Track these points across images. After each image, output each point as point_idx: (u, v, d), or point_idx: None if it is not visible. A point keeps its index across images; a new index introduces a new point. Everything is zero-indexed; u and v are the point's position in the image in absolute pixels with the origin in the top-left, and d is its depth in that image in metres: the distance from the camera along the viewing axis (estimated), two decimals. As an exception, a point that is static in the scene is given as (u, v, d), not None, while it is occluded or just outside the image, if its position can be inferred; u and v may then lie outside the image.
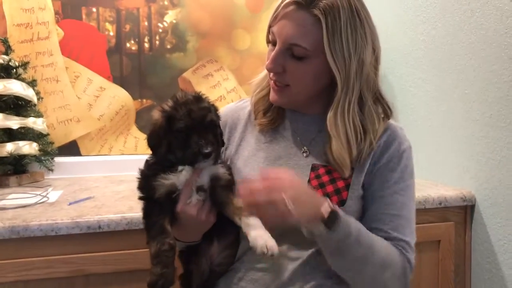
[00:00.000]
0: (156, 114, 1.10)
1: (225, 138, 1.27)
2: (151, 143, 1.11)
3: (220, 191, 1.11)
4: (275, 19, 1.13)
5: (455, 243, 1.78)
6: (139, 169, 1.14)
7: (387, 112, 1.20)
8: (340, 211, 1.04)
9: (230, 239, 1.18)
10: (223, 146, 1.20)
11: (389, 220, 1.14)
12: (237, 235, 1.18)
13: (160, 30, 2.41)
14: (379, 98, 1.19)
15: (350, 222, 1.06)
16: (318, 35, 1.07)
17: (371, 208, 1.16)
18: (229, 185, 1.12)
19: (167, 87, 2.40)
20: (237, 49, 2.50)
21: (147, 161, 1.15)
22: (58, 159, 2.27)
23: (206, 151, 1.04)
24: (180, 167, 1.08)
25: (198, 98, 1.10)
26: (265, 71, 1.26)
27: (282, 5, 1.11)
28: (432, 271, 1.79)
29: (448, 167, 1.91)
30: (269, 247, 0.99)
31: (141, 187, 1.12)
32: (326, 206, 1.02)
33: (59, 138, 2.31)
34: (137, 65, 2.39)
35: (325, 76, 1.14)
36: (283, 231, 1.07)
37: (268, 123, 1.26)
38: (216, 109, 1.15)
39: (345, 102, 1.11)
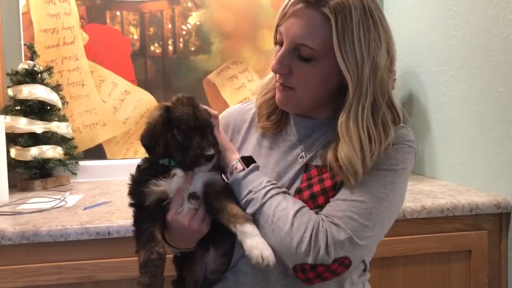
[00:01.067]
0: (155, 112, 1.04)
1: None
2: (146, 142, 1.04)
3: (214, 198, 1.05)
4: (283, 18, 1.06)
5: (489, 254, 1.65)
6: (130, 174, 1.10)
7: (396, 120, 1.10)
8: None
9: (226, 247, 1.12)
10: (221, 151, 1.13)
11: (344, 204, 1.01)
12: (233, 243, 1.12)
13: (184, 32, 2.39)
14: (390, 105, 1.09)
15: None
16: (327, 36, 1.00)
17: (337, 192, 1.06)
18: (224, 191, 1.06)
19: (192, 89, 2.37)
20: (262, 50, 2.44)
21: (138, 166, 1.10)
22: (83, 163, 2.28)
23: (209, 153, 0.99)
24: (172, 172, 1.02)
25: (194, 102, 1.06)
26: (270, 73, 1.20)
27: (290, 3, 1.04)
28: (464, 283, 1.67)
29: (482, 171, 1.77)
30: (265, 257, 0.94)
31: (131, 193, 1.07)
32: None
33: (85, 142, 2.33)
34: (161, 68, 2.38)
35: (333, 80, 1.06)
36: None
37: (271, 126, 1.20)
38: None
39: (358, 107, 1.02)
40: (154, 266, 0.96)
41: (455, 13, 1.88)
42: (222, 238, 1.10)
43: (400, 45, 2.31)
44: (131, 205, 1.07)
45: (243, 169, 1.06)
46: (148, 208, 1.02)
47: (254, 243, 0.96)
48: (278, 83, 1.11)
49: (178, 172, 1.03)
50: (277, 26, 1.08)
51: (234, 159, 1.08)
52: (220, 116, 1.27)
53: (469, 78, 1.82)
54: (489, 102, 1.71)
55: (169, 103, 1.04)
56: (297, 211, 1.00)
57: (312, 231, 0.97)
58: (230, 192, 1.07)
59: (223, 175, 1.09)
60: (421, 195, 1.73)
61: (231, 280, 1.11)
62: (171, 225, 1.04)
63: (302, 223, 0.98)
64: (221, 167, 1.11)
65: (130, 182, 1.08)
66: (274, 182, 1.06)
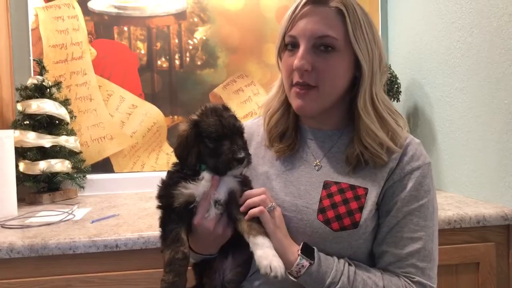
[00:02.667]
0: (183, 125, 1.10)
1: None
2: (180, 154, 1.10)
3: (235, 207, 1.09)
4: (292, 23, 1.10)
5: (497, 266, 1.64)
6: (161, 178, 1.14)
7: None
8: (315, 248, 1.07)
9: (244, 256, 1.15)
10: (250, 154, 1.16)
11: (402, 244, 1.08)
12: (251, 254, 1.13)
13: (191, 47, 2.42)
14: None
15: (328, 258, 1.06)
16: (343, 25, 1.08)
17: (383, 228, 1.10)
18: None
19: (198, 103, 2.39)
20: (267, 64, 2.47)
21: (169, 171, 1.14)
22: (91, 176, 2.30)
23: (240, 156, 1.04)
24: (201, 175, 1.07)
25: (226, 108, 1.12)
26: (274, 89, 1.24)
27: (299, 7, 1.10)
28: (472, 296, 1.66)
29: (488, 183, 1.77)
30: (273, 268, 0.96)
31: (160, 196, 1.12)
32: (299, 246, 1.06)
33: (93, 156, 2.35)
34: (168, 82, 2.41)
35: (351, 71, 1.12)
36: None
37: (286, 148, 1.21)
38: (240, 120, 1.15)
39: (372, 91, 1.11)
40: (179, 265, 1.00)
41: (459, 25, 1.89)
42: (240, 247, 1.13)
43: (404, 58, 2.34)
44: (159, 207, 1.11)
45: (311, 263, 1.04)
46: (176, 210, 1.06)
47: (264, 254, 0.99)
48: (294, 89, 1.11)
49: (206, 175, 1.07)
50: (285, 33, 1.12)
51: (295, 258, 1.05)
52: None
53: (474, 90, 1.82)
54: (494, 113, 1.72)
55: (195, 117, 1.09)
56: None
57: None
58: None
59: (289, 275, 1.06)
60: (427, 207, 1.72)
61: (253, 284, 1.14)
62: (197, 229, 1.08)
63: None
64: (245, 177, 1.15)
65: (160, 185, 1.12)
66: (341, 260, 1.07)
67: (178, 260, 1.00)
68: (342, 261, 1.07)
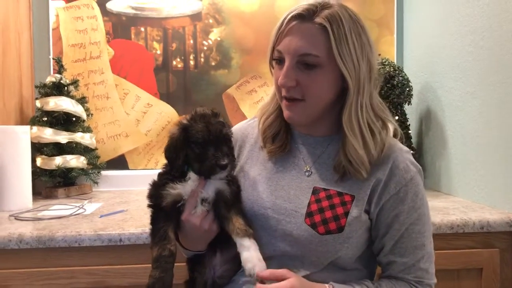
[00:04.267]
0: (174, 128, 1.15)
1: (235, 155, 1.29)
2: (168, 155, 1.15)
3: (223, 206, 1.14)
4: (279, 38, 1.13)
5: (501, 272, 1.62)
6: (152, 179, 1.19)
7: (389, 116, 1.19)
8: None
9: (232, 253, 1.18)
10: (235, 159, 1.22)
11: (408, 253, 1.14)
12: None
13: (205, 48, 2.46)
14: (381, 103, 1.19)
15: None
16: (326, 42, 1.08)
17: (387, 241, 1.15)
18: (232, 201, 1.15)
19: (211, 103, 2.43)
20: (281, 65, 2.48)
21: (159, 173, 1.20)
22: (105, 173, 2.37)
23: (223, 162, 1.08)
24: (188, 176, 1.12)
25: (215, 114, 1.15)
26: (270, 95, 1.26)
27: (285, 22, 1.12)
28: (474, 302, 1.64)
29: (497, 189, 1.75)
30: (257, 272, 1.03)
31: (150, 196, 1.17)
32: None
33: (109, 152, 2.42)
34: (183, 82, 2.45)
35: (337, 84, 1.13)
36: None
37: (277, 149, 1.24)
38: (230, 126, 1.18)
39: (358, 104, 1.11)
40: (165, 262, 1.05)
41: (471, 29, 1.87)
42: (228, 245, 1.17)
43: (418, 61, 2.33)
44: (149, 206, 1.16)
45: None
46: (164, 209, 1.12)
47: (249, 257, 1.06)
48: (284, 101, 1.16)
49: (193, 176, 1.12)
50: (273, 47, 1.15)
51: None
52: None
53: (485, 94, 1.80)
54: (504, 118, 1.69)
55: (185, 121, 1.14)
56: None
57: None
58: (237, 204, 1.17)
59: None
60: (433, 211, 1.71)
61: (239, 282, 1.17)
62: (184, 225, 1.13)
63: None
64: (233, 177, 1.20)
65: (150, 185, 1.18)
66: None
67: (165, 257, 1.05)
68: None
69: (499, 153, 1.73)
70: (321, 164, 1.19)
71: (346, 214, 1.10)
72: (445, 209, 1.74)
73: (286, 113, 1.17)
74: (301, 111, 1.15)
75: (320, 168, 1.18)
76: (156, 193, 1.14)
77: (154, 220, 1.14)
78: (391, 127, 1.16)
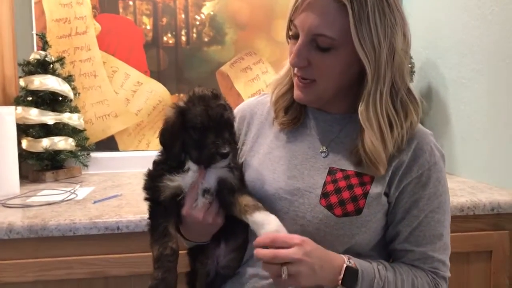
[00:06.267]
0: (169, 111, 1.05)
1: (242, 133, 1.24)
2: (164, 142, 1.06)
3: (227, 193, 1.06)
4: (295, 11, 1.02)
5: (511, 254, 1.59)
6: (148, 169, 1.10)
7: (416, 107, 1.07)
8: (358, 266, 0.99)
9: (237, 243, 1.13)
10: (236, 146, 1.14)
11: (425, 242, 1.07)
12: (245, 239, 1.14)
13: (197, 23, 2.35)
14: (408, 91, 1.07)
15: (370, 273, 1.00)
16: (345, 23, 0.97)
17: (404, 227, 1.07)
18: (236, 187, 1.06)
19: (205, 81, 2.33)
20: (277, 41, 2.39)
21: (154, 161, 1.10)
22: (95, 155, 2.27)
23: (224, 151, 0.99)
24: (186, 166, 1.04)
25: (216, 95, 1.05)
26: (285, 68, 1.18)
27: None
28: (483, 285, 1.60)
29: (503, 168, 1.71)
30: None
31: (146, 188, 1.09)
32: (341, 270, 0.98)
33: (97, 133, 2.31)
34: (174, 59, 2.35)
35: (353, 68, 1.04)
36: None
37: (289, 122, 1.17)
38: (231, 109, 1.08)
39: (377, 93, 1.01)
40: (168, 261, 0.98)
41: (479, 3, 1.80)
42: (233, 233, 1.12)
43: (419, 36, 2.25)
44: (146, 199, 1.08)
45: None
46: (162, 203, 1.03)
47: (267, 219, 0.98)
48: (296, 79, 1.09)
49: (192, 167, 1.04)
50: (290, 20, 1.05)
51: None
52: (236, 109, 1.28)
53: (492, 71, 1.74)
54: (512, 96, 1.64)
55: (182, 103, 1.04)
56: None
57: None
58: (242, 188, 1.08)
59: None
60: (439, 192, 1.67)
61: (245, 275, 1.11)
62: (186, 219, 1.05)
63: None
64: (236, 163, 1.11)
65: (145, 177, 1.09)
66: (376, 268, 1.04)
67: (167, 256, 0.98)
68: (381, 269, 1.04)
69: (506, 131, 1.69)
70: (338, 143, 1.11)
71: (365, 195, 1.03)
72: (451, 190, 1.65)
73: (296, 93, 1.10)
74: (311, 92, 1.07)
75: (337, 148, 1.11)
76: (152, 185, 1.06)
77: (152, 215, 1.06)
78: (413, 113, 1.05)
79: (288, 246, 0.92)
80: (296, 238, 0.94)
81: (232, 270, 1.15)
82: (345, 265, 0.98)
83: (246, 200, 1.03)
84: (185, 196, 1.04)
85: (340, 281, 0.97)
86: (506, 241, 1.58)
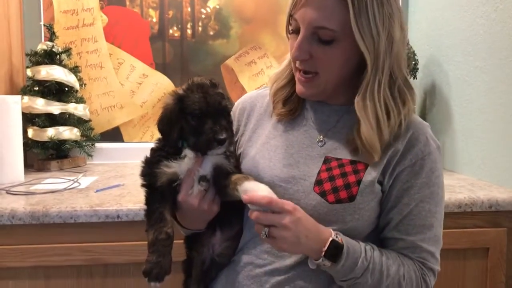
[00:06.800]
0: (168, 98, 1.07)
1: (242, 124, 1.26)
2: (162, 128, 1.08)
3: (223, 178, 1.08)
4: (295, 6, 1.04)
5: (508, 252, 1.59)
6: (145, 156, 1.13)
7: (412, 96, 1.10)
8: (345, 242, 1.00)
9: (233, 231, 1.15)
10: (233, 134, 1.15)
11: (415, 231, 1.07)
12: (240, 228, 1.16)
13: (203, 16, 2.36)
14: (405, 80, 1.09)
15: (356, 251, 1.01)
16: (344, 15, 0.99)
17: (394, 215, 1.08)
18: (233, 173, 1.08)
19: (209, 74, 2.32)
20: (282, 35, 2.38)
21: (152, 148, 1.13)
22: (99, 145, 2.30)
23: (221, 137, 1.01)
24: (183, 153, 1.05)
25: (214, 84, 1.07)
26: (285, 62, 1.20)
27: None
28: (480, 282, 1.61)
29: (504, 166, 1.71)
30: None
31: (143, 174, 1.11)
32: (327, 243, 0.99)
33: (103, 124, 2.34)
34: (180, 52, 2.36)
35: (353, 59, 1.06)
36: None
37: (287, 113, 1.18)
38: (229, 98, 1.10)
39: (375, 82, 1.03)
40: (162, 245, 0.99)
41: (483, 0, 1.79)
42: (229, 222, 1.14)
43: (423, 34, 2.25)
44: (143, 185, 1.10)
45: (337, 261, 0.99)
46: (159, 189, 1.05)
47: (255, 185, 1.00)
48: (298, 74, 1.10)
49: (189, 153, 1.05)
50: (290, 15, 1.06)
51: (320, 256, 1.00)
52: (237, 102, 1.32)
53: (496, 69, 1.74)
54: (514, 94, 1.64)
55: (180, 91, 1.06)
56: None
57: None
58: (237, 173, 1.10)
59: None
60: (438, 189, 1.67)
61: (239, 263, 1.13)
62: (181, 206, 1.07)
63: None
64: (232, 151, 1.13)
65: (143, 163, 1.11)
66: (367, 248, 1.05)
67: (162, 240, 0.99)
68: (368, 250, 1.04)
69: (508, 130, 1.68)
70: (336, 133, 1.13)
71: (359, 182, 1.05)
72: (451, 187, 1.69)
73: (298, 88, 1.11)
74: (314, 86, 1.09)
75: (334, 137, 1.12)
76: (149, 171, 1.08)
77: (148, 201, 1.08)
78: (410, 103, 1.08)
79: (280, 211, 0.95)
80: (288, 204, 0.97)
81: (228, 258, 1.17)
82: (330, 239, 0.99)
83: (236, 176, 1.05)
84: (182, 182, 1.06)
85: (323, 253, 0.98)
86: (503, 239, 1.58)
